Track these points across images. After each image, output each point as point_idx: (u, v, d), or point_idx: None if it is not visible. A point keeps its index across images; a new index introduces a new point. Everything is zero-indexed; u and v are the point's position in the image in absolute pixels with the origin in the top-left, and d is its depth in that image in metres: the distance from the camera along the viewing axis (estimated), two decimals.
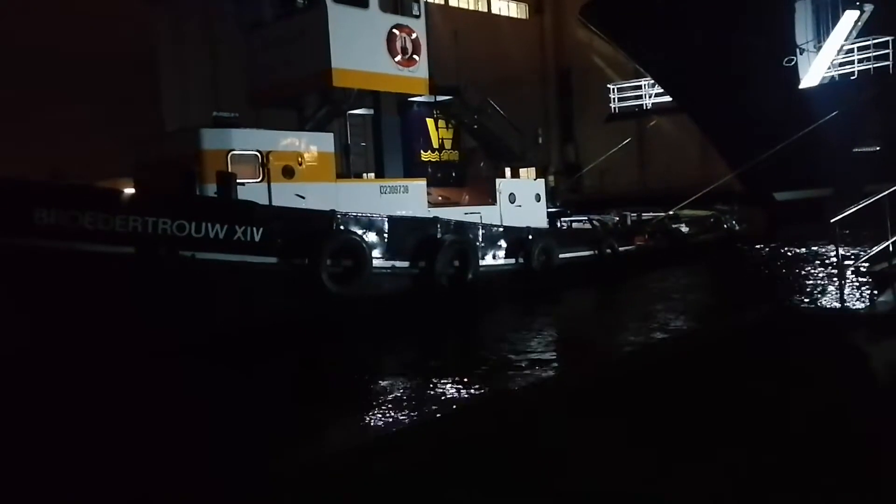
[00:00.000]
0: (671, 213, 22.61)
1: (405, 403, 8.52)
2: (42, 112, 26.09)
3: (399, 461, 5.59)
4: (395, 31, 15.15)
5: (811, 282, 16.35)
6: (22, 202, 10.31)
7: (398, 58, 15.21)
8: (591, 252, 18.16)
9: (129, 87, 28.75)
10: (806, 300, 14.15)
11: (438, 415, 7.97)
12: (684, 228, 22.70)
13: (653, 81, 31.01)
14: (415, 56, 15.51)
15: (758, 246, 23.74)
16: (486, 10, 41.09)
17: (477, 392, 8.85)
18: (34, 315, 10.39)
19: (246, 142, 12.67)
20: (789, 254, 21.54)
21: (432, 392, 8.85)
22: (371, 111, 15.85)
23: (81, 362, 9.54)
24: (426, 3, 16.07)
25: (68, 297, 10.23)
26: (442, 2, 36.96)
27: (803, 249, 21.55)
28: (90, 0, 27.82)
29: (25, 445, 7.51)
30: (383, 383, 9.57)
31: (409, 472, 5.27)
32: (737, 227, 24.87)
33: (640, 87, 32.73)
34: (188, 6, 34.71)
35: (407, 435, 7.07)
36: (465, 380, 9.27)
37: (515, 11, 43.07)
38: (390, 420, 7.87)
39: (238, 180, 12.03)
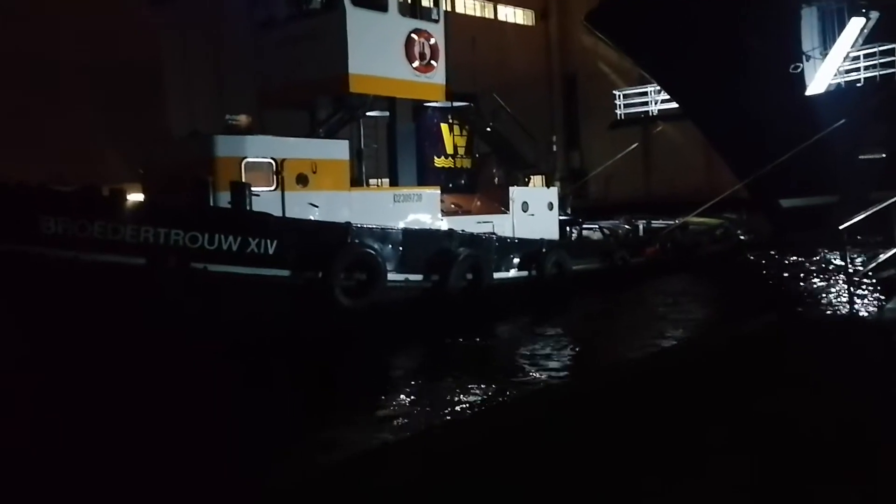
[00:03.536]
0: (680, 221, 22.36)
1: (411, 415, 8.56)
2: (47, 117, 25.70)
3: (401, 473, 5.43)
4: (413, 35, 14.76)
5: (819, 289, 16.41)
6: (27, 209, 9.95)
7: (416, 63, 14.84)
8: (603, 263, 17.99)
9: (134, 92, 28.38)
10: (814, 307, 14.23)
11: (434, 427, 7.91)
12: (694, 238, 22.45)
13: (658, 87, 30.85)
14: (433, 62, 15.14)
15: (765, 254, 23.55)
16: (492, 16, 40.93)
17: (481, 401, 8.87)
18: (38, 324, 10.01)
19: (260, 149, 12.32)
20: (797, 261, 21.44)
21: (437, 404, 8.87)
22: (384, 113, 15.54)
23: (86, 373, 9.22)
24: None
25: (75, 307, 9.87)
26: (449, 8, 36.74)
27: (811, 257, 21.47)
28: (94, 6, 27.46)
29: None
30: (391, 394, 9.56)
31: (410, 484, 5.09)
32: (745, 236, 24.65)
33: (645, 94, 32.55)
34: (193, 9, 34.37)
35: (405, 447, 6.93)
36: (473, 389, 9.30)
37: (522, 18, 42.96)
38: (394, 432, 7.85)
39: (252, 189, 11.68)
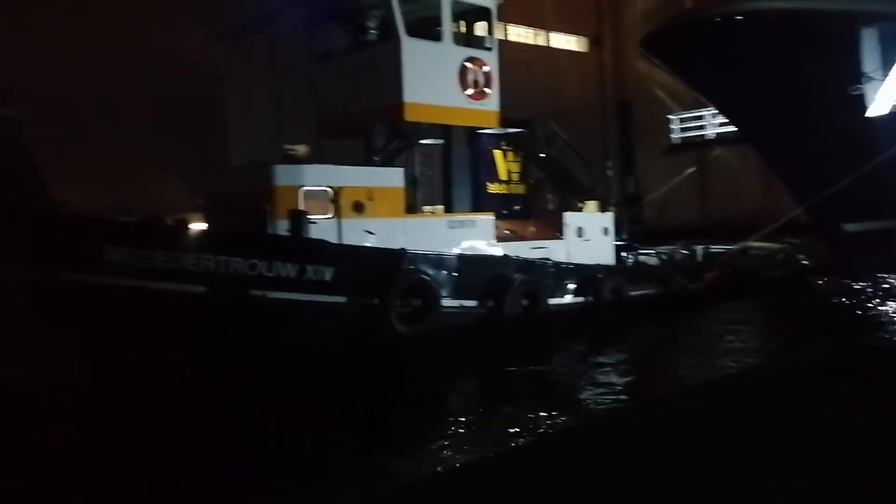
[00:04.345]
0: (740, 246, 21.83)
1: (467, 442, 8.48)
2: (109, 146, 26.68)
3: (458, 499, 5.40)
4: (467, 64, 14.90)
5: (881, 314, 16.05)
6: (93, 239, 10.27)
7: (470, 91, 14.95)
8: (661, 288, 17.68)
9: (197, 122, 29.31)
10: (878, 333, 13.92)
11: (490, 454, 7.82)
12: (754, 263, 21.89)
13: (715, 111, 30.35)
14: (486, 89, 15.23)
15: (828, 279, 22.80)
16: (545, 44, 41.07)
17: (538, 428, 8.78)
18: (98, 351, 10.24)
19: (318, 178, 12.53)
20: (859, 286, 20.73)
21: (493, 431, 8.83)
22: (439, 140, 15.68)
23: (153, 399, 9.41)
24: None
25: (135, 335, 10.11)
26: (502, 37, 37.02)
27: (873, 282, 20.82)
28: (157, 38, 28.55)
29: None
30: (447, 421, 9.48)
31: None
32: (806, 261, 23.92)
33: (701, 118, 32.06)
34: (253, 41, 35.49)
35: (461, 474, 6.89)
36: (530, 417, 9.21)
37: (575, 45, 42.98)
38: (450, 459, 7.78)
39: (309, 217, 11.87)
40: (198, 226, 12.64)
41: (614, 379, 11.71)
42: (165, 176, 26.69)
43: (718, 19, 23.79)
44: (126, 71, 27.97)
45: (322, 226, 12.17)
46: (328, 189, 12.57)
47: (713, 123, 31.36)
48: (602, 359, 13.19)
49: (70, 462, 7.88)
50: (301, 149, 13.06)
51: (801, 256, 23.86)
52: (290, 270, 11.18)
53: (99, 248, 10.21)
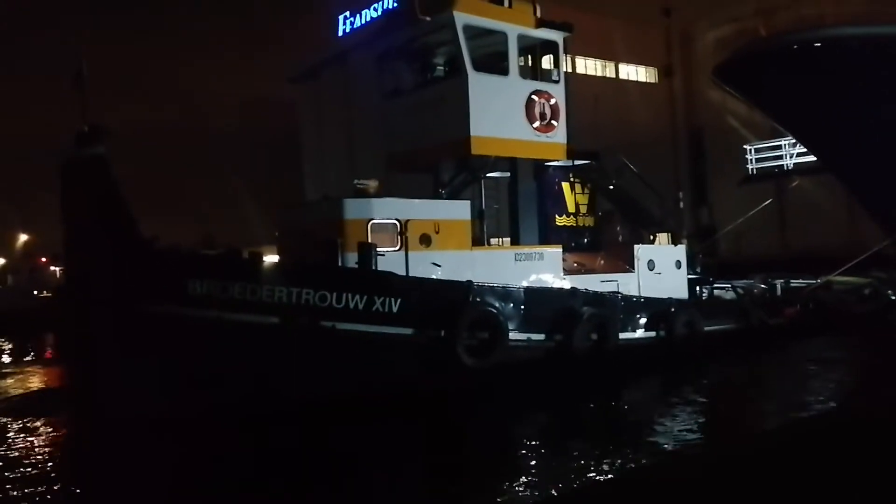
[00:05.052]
0: (823, 280, 20.89)
1: (536, 481, 8.26)
2: (196, 184, 27.98)
3: None
4: (533, 97, 15.00)
5: None
6: (177, 272, 10.70)
7: (536, 124, 15.02)
8: (739, 324, 17.05)
9: (274, 160, 30.44)
10: None
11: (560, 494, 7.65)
12: (839, 297, 20.87)
13: (794, 141, 29.39)
14: (553, 121, 15.27)
15: None
16: (614, 76, 40.97)
17: (610, 468, 8.49)
18: (178, 381, 10.57)
19: (385, 211, 12.76)
20: None
21: (562, 470, 8.58)
22: (506, 173, 15.73)
23: (226, 427, 9.71)
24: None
25: (213, 365, 10.42)
26: (570, 69, 37.17)
27: None
28: (239, 82, 29.94)
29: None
30: (517, 458, 9.34)
31: None
32: (895, 296, 22.64)
33: (779, 147, 31.09)
34: (327, 83, 36.70)
35: None
36: (601, 456, 8.96)
37: (644, 76, 42.77)
38: (521, 496, 7.62)
39: (377, 249, 12.07)
40: (271, 258, 13.03)
41: (687, 417, 11.30)
42: (248, 211, 27.69)
43: (796, 46, 23.18)
44: (209, 113, 29.40)
45: (390, 258, 12.35)
46: (395, 222, 12.78)
47: (791, 153, 30.32)
48: (675, 394, 12.78)
49: None
50: (371, 183, 13.36)
51: (890, 291, 22.64)
52: (358, 302, 11.36)
53: (182, 281, 10.64)
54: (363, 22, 37.85)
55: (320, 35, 39.63)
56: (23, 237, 50.47)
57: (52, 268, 37.85)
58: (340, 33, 39.33)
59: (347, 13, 38.99)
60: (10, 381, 17.61)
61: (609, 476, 8.16)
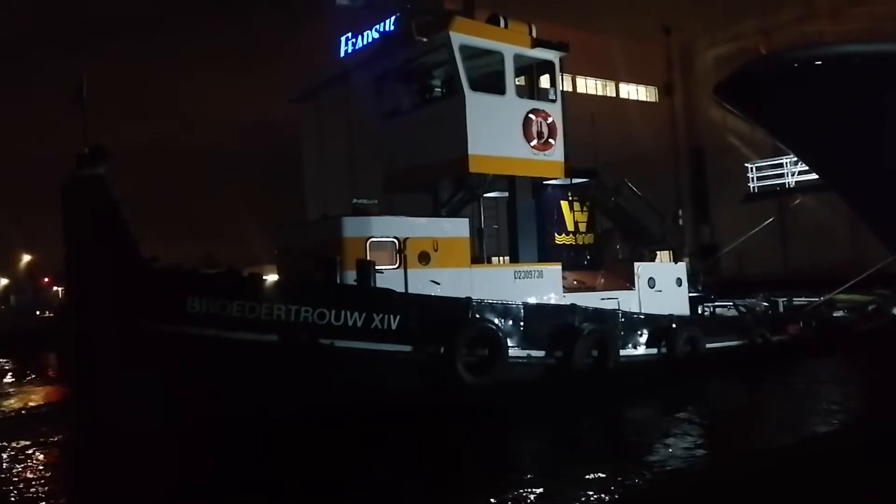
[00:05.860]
0: (826, 298, 20.81)
1: (540, 499, 8.17)
2: (199, 203, 28.12)
3: None
4: (531, 115, 15.08)
5: None
6: (176, 291, 10.73)
7: (534, 142, 15.09)
8: (741, 342, 16.97)
9: (275, 179, 30.60)
10: None
11: None
12: (841, 315, 20.78)
13: (795, 159, 29.41)
14: (550, 140, 15.34)
15: None
16: (614, 94, 41.15)
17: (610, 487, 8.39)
18: (177, 398, 10.56)
19: (384, 229, 12.82)
20: None
21: (563, 491, 8.48)
22: (504, 193, 15.77)
23: (224, 444, 9.69)
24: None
25: (212, 382, 10.42)
26: (570, 88, 37.32)
27: None
28: (240, 101, 30.24)
29: None
30: (516, 477, 9.22)
31: None
32: None
33: (780, 165, 31.12)
34: (328, 104, 36.96)
35: None
36: (601, 475, 8.88)
37: (644, 95, 42.95)
38: None
39: (376, 267, 12.09)
40: (270, 277, 13.06)
41: (689, 436, 11.21)
42: (249, 230, 27.76)
43: (797, 64, 23.27)
44: (214, 133, 29.61)
45: (388, 275, 12.39)
46: (394, 240, 12.82)
47: (793, 171, 30.34)
48: (677, 413, 12.72)
49: None
50: (369, 202, 13.43)
51: (894, 308, 22.52)
52: (357, 319, 11.36)
53: (182, 300, 10.67)
54: (364, 43, 38.28)
55: (321, 54, 40.07)
56: (26, 257, 50.76)
57: (55, 288, 38.06)
58: (342, 54, 39.78)
59: (349, 34, 39.44)
60: (12, 399, 17.67)
61: (605, 498, 8.08)
